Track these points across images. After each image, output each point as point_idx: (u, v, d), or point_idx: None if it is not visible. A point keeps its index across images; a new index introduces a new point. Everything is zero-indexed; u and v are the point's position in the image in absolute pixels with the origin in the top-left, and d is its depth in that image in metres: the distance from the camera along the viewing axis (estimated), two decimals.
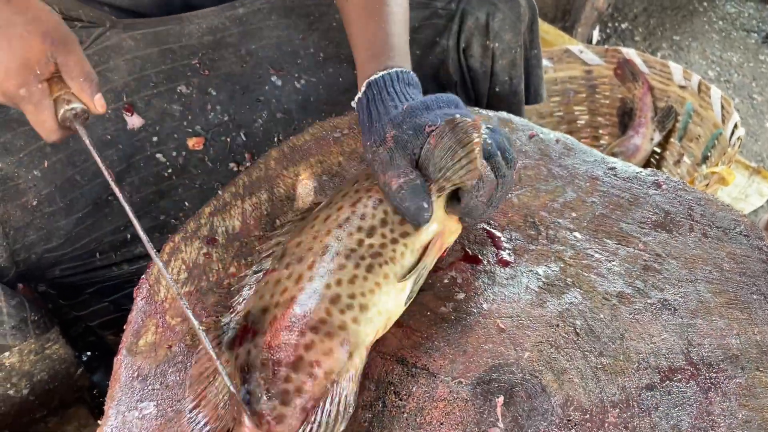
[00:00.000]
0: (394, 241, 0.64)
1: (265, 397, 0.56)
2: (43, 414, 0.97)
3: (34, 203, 0.84)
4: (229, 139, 0.93)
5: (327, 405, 0.57)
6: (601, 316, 0.69)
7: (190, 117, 0.90)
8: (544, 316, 0.68)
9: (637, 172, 0.84)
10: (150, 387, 0.63)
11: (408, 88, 0.71)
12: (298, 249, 0.64)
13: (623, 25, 2.20)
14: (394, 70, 0.71)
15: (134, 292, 0.70)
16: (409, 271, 0.64)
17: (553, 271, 0.73)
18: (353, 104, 0.73)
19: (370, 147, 0.67)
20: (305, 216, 0.69)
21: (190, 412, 0.57)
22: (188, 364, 0.64)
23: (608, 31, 2.18)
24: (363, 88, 0.71)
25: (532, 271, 0.73)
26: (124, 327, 0.68)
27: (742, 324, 0.70)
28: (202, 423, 0.56)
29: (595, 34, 2.10)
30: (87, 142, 0.66)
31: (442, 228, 0.67)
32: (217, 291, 0.70)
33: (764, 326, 0.70)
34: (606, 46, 1.68)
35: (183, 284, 0.70)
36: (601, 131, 1.73)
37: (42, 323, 0.85)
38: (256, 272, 0.65)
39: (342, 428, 0.56)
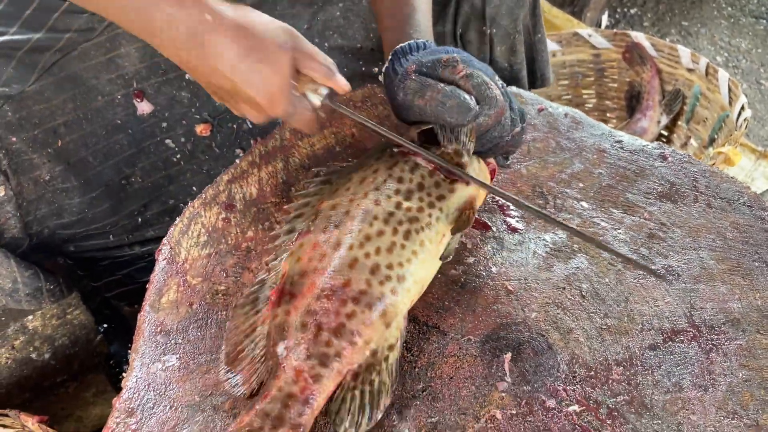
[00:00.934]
0: (431, 205, 0.66)
1: (304, 355, 0.58)
2: (64, 379, 1.00)
3: (47, 178, 0.87)
4: (235, 126, 0.96)
5: (371, 375, 0.59)
6: (607, 280, 0.71)
7: (197, 104, 0.92)
8: (550, 279, 0.71)
9: (643, 145, 0.86)
10: (173, 341, 0.65)
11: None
12: (334, 212, 0.65)
13: (632, 11, 2.21)
14: (420, 40, 0.73)
15: (156, 254, 0.72)
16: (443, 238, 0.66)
17: (560, 237, 0.75)
18: (380, 78, 0.75)
19: (397, 89, 0.69)
20: (329, 178, 0.70)
21: (226, 364, 0.59)
22: (209, 320, 0.67)
23: (617, 16, 2.19)
24: (389, 58, 0.73)
25: (539, 237, 0.75)
26: (147, 287, 0.70)
27: (744, 290, 0.72)
28: (238, 375, 0.58)
29: (604, 19, 2.11)
30: (350, 114, 0.70)
31: (475, 192, 0.69)
32: (235, 253, 0.73)
33: (765, 292, 0.72)
34: (615, 30, 1.69)
35: (203, 247, 0.73)
36: (608, 114, 1.74)
37: (58, 291, 0.88)
38: (289, 231, 0.67)
39: (389, 399, 0.59)
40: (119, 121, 0.90)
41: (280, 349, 0.59)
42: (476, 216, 0.76)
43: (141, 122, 0.91)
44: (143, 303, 0.68)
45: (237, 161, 0.82)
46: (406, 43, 0.73)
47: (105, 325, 1.18)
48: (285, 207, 0.70)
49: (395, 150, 0.69)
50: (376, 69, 1.01)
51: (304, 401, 0.57)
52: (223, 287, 0.70)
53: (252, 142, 0.96)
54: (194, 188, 0.95)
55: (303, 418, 0.56)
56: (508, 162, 0.78)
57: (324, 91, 0.70)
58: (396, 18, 0.78)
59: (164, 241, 0.73)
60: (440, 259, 0.67)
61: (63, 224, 0.90)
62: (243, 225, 0.75)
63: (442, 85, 0.66)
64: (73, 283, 0.99)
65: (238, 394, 0.59)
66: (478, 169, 0.70)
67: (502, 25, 0.99)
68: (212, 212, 0.76)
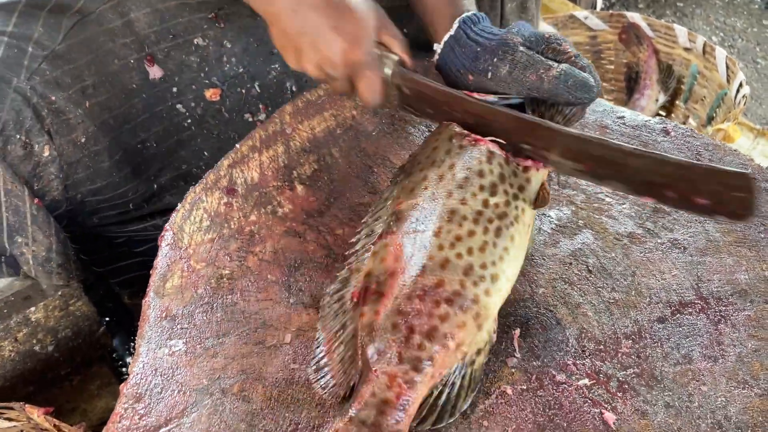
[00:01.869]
0: (515, 197, 0.63)
1: (396, 359, 0.55)
2: (68, 371, 1.00)
3: (83, 140, 0.87)
4: (244, 91, 0.96)
5: (453, 377, 0.57)
6: (613, 254, 0.71)
7: (206, 69, 0.92)
8: (557, 255, 0.70)
9: (645, 121, 0.85)
10: (178, 326, 0.65)
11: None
12: (416, 212, 0.62)
13: None
14: (478, 12, 0.73)
15: (158, 240, 0.72)
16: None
17: (565, 214, 0.75)
18: (438, 46, 0.73)
19: (499, 60, 0.67)
20: (400, 179, 0.67)
21: (318, 365, 0.58)
22: (215, 305, 0.67)
23: None
24: (456, 25, 0.71)
25: (544, 214, 0.75)
26: (150, 272, 0.70)
27: (751, 261, 0.72)
28: (329, 376, 0.57)
29: (599, 1, 2.10)
30: (432, 83, 0.69)
31: (544, 175, 0.66)
32: (239, 237, 0.72)
33: None
34: (611, 11, 1.68)
35: (206, 231, 0.72)
36: (606, 97, 1.73)
37: (79, 268, 0.89)
38: (369, 234, 0.64)
39: (467, 405, 0.57)
40: (134, 86, 0.90)
41: (371, 351, 0.56)
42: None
43: (153, 87, 0.91)
44: (147, 289, 0.68)
45: (237, 145, 0.81)
46: (472, 12, 0.72)
47: (107, 319, 1.17)
48: (365, 217, 0.67)
49: (463, 138, 0.66)
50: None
51: (400, 407, 0.54)
52: (227, 271, 0.69)
53: (261, 107, 0.96)
54: (205, 153, 0.95)
55: (401, 425, 0.54)
56: None
57: (395, 58, 0.71)
58: None
59: (166, 226, 0.73)
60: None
61: (94, 190, 0.90)
62: (245, 209, 0.75)
63: (553, 62, 0.65)
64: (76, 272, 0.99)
65: (329, 395, 0.58)
66: None
67: None
68: (214, 197, 0.76)
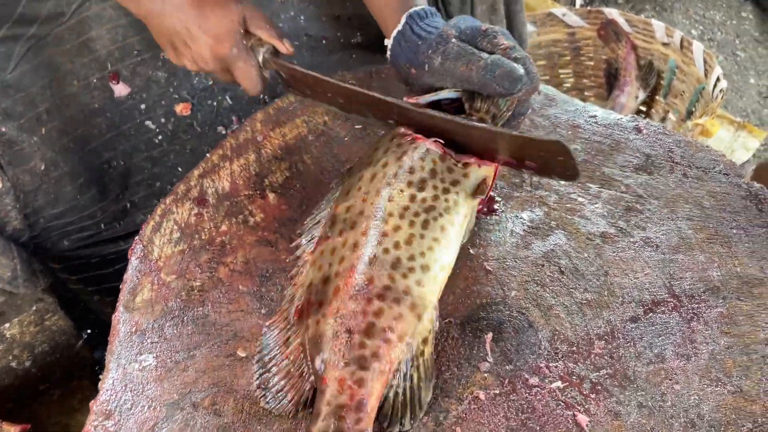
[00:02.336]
0: (446, 190, 0.64)
1: (342, 364, 0.56)
2: (47, 386, 0.99)
3: (42, 168, 0.86)
4: (215, 103, 0.95)
5: (407, 369, 0.58)
6: (585, 255, 0.71)
7: (175, 83, 0.91)
8: (529, 257, 0.70)
9: (617, 119, 0.85)
10: (149, 340, 0.64)
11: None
12: (348, 214, 0.63)
13: None
14: (427, 6, 0.73)
15: (128, 253, 0.71)
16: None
17: (537, 215, 0.75)
18: (388, 41, 0.73)
19: (433, 53, 0.67)
20: (343, 180, 0.68)
21: (263, 380, 0.58)
22: (185, 318, 0.66)
23: None
24: (403, 20, 0.72)
25: (517, 216, 0.75)
26: (120, 287, 0.69)
27: (723, 257, 0.72)
28: (280, 392, 0.58)
29: None
30: (298, 68, 0.73)
31: (486, 172, 0.67)
32: (210, 248, 0.72)
33: (744, 258, 0.72)
34: (589, 8, 1.68)
35: (176, 243, 0.72)
36: (587, 93, 1.74)
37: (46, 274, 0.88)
38: (309, 241, 0.65)
39: (429, 395, 0.58)
40: (96, 105, 0.89)
41: (318, 363, 0.57)
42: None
43: (119, 105, 0.90)
44: (117, 303, 0.67)
45: (207, 155, 0.80)
46: (420, 7, 0.72)
47: (89, 331, 1.17)
48: (306, 221, 0.68)
49: (403, 137, 0.67)
50: (355, 39, 1.01)
51: (356, 408, 0.55)
52: (198, 283, 0.69)
53: (233, 119, 0.96)
54: (179, 169, 0.94)
55: (362, 424, 0.55)
56: None
57: (269, 47, 0.74)
58: None
59: (136, 239, 0.72)
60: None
61: (57, 214, 0.89)
62: (216, 219, 0.74)
63: (485, 54, 0.65)
64: (52, 288, 0.98)
65: (280, 412, 0.58)
66: None
67: None
68: (184, 208, 0.75)
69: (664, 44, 1.56)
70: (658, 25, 1.56)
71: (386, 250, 0.61)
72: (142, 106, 0.90)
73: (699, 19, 2.13)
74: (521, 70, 0.64)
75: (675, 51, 1.54)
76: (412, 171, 0.64)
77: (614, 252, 0.72)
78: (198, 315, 0.66)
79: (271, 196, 0.77)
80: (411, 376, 0.58)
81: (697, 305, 0.68)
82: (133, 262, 0.70)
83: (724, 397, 0.61)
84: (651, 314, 0.67)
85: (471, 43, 0.67)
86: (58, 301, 0.93)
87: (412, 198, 0.63)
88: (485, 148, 0.66)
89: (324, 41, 0.97)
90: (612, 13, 1.62)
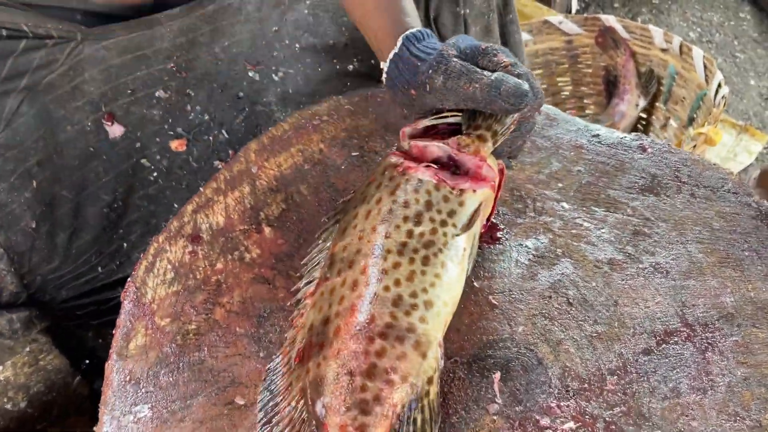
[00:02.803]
0: (443, 223, 0.62)
1: (343, 408, 0.54)
2: (44, 425, 0.96)
3: (33, 225, 0.84)
4: (211, 138, 0.93)
5: (411, 412, 0.55)
6: (594, 284, 0.69)
7: (170, 120, 0.89)
8: (535, 289, 0.68)
9: (621, 138, 0.83)
10: (143, 390, 0.62)
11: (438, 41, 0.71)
12: (346, 253, 0.61)
13: None
14: (423, 29, 0.71)
15: (121, 296, 0.69)
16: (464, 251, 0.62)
17: (542, 243, 0.72)
18: (384, 65, 0.71)
19: (434, 72, 0.65)
20: (338, 217, 0.66)
21: (265, 430, 0.55)
22: (181, 364, 0.64)
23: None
24: (399, 42, 0.70)
25: (521, 244, 0.72)
26: (113, 332, 0.67)
27: (736, 282, 0.69)
28: None
29: (574, 3, 2.08)
30: None
31: (483, 197, 0.65)
32: (205, 288, 0.69)
33: (758, 282, 0.69)
34: (585, 15, 1.66)
35: (170, 284, 0.69)
36: (586, 101, 1.72)
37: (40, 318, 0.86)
38: (308, 283, 0.63)
39: None
40: (92, 149, 0.87)
41: (319, 407, 0.55)
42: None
43: (114, 146, 0.88)
44: (110, 351, 0.65)
45: (201, 189, 0.78)
46: (416, 29, 0.70)
47: (87, 361, 1.14)
48: (303, 261, 0.65)
49: (395, 169, 0.65)
50: (351, 66, 0.98)
51: None
52: (194, 326, 0.66)
53: (230, 152, 0.93)
54: (175, 205, 0.92)
55: None
56: (512, 164, 0.75)
57: None
58: (387, 7, 0.75)
59: (129, 281, 0.70)
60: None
61: (53, 268, 0.87)
62: (211, 257, 0.72)
63: (487, 71, 0.63)
64: (50, 326, 0.96)
65: None
66: (493, 164, 0.67)
67: (475, 4, 0.97)
68: (178, 246, 0.73)
69: (663, 50, 1.54)
70: (656, 31, 1.54)
71: (387, 288, 0.58)
72: (137, 145, 0.88)
73: (697, 21, 2.10)
74: (526, 86, 0.62)
75: (674, 57, 1.51)
76: (406, 205, 0.62)
77: (623, 280, 0.69)
78: (194, 360, 0.64)
79: (267, 230, 0.74)
80: (415, 420, 0.55)
81: (711, 334, 0.65)
82: (126, 305, 0.68)
83: None
84: (664, 345, 0.64)
85: (471, 62, 0.65)
86: (52, 339, 0.91)
87: (410, 234, 0.61)
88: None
89: (319, 69, 0.95)
90: (609, 19, 1.60)
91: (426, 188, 0.63)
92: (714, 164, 0.80)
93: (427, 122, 0.69)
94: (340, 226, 0.64)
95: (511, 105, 0.62)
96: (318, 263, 0.63)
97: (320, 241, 0.65)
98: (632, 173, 0.79)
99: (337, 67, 0.97)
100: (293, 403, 0.57)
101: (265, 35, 0.94)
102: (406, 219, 0.61)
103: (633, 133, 0.84)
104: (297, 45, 0.96)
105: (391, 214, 0.61)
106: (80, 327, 1.03)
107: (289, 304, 0.64)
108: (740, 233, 0.73)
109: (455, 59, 0.65)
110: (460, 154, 0.65)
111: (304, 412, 0.56)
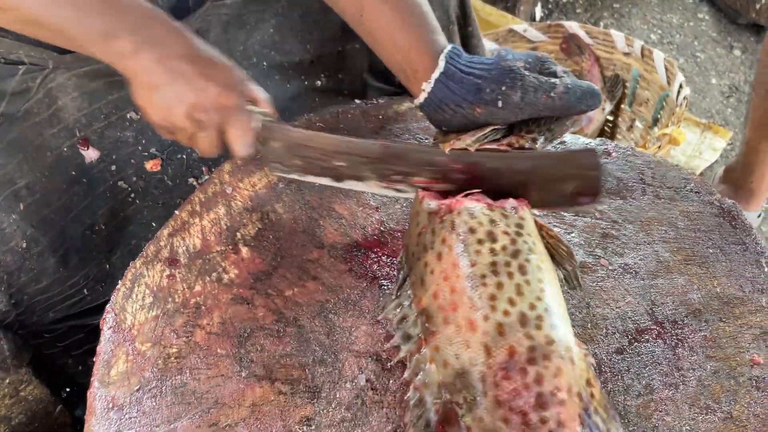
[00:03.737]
0: (518, 233, 0.61)
1: None
2: None
3: (23, 245, 0.84)
4: (185, 156, 0.93)
5: (589, 420, 0.54)
6: (565, 287, 0.70)
7: (143, 141, 0.90)
8: None
9: (586, 144, 0.85)
10: (127, 416, 0.62)
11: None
12: (440, 300, 0.58)
13: None
14: (454, 44, 0.72)
15: (100, 323, 0.69)
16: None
17: None
18: (426, 85, 0.70)
19: (508, 89, 0.66)
20: (405, 274, 0.64)
21: None
22: (164, 388, 0.64)
23: (550, 6, 2.21)
24: (443, 61, 0.69)
25: None
26: (94, 360, 0.67)
27: (702, 278, 0.72)
28: None
29: (538, 11, 2.13)
30: (291, 128, 0.73)
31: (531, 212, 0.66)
32: (184, 311, 0.70)
33: (722, 278, 0.72)
34: (549, 22, 1.70)
35: (149, 309, 0.70)
36: None
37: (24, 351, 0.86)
38: (406, 338, 0.61)
39: (621, 429, 0.55)
40: (73, 173, 0.88)
41: None
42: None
43: (91, 170, 0.89)
44: (91, 378, 0.65)
45: (176, 212, 0.79)
46: (453, 46, 0.71)
47: (68, 389, 1.13)
48: (388, 326, 0.64)
49: (436, 214, 0.63)
50: (319, 83, 1.00)
51: None
52: (174, 350, 0.67)
53: (203, 169, 0.94)
54: (153, 224, 0.93)
55: None
56: None
57: (263, 112, 0.72)
58: (413, 22, 0.74)
59: (107, 308, 0.70)
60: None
61: (41, 289, 0.87)
62: (189, 280, 0.72)
63: (553, 79, 0.66)
64: (33, 355, 0.95)
65: None
66: None
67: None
68: (155, 270, 0.73)
69: (626, 54, 1.58)
70: (617, 36, 1.58)
71: (506, 313, 0.56)
72: (113, 168, 0.89)
73: (657, 23, 2.16)
74: (594, 86, 0.67)
75: (636, 60, 1.55)
76: (473, 231, 0.60)
77: (594, 282, 0.71)
78: (176, 384, 0.64)
79: (244, 250, 0.75)
80: (597, 424, 0.54)
81: (680, 330, 0.67)
82: (106, 332, 0.68)
83: (715, 424, 0.61)
84: (636, 344, 0.66)
85: (538, 73, 0.68)
86: (33, 369, 0.90)
87: (492, 251, 0.59)
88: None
89: (288, 86, 0.97)
90: (572, 26, 1.63)
91: (481, 212, 0.62)
92: (676, 165, 0.82)
93: (474, 140, 0.68)
94: (415, 282, 0.62)
95: (589, 105, 0.66)
96: (404, 318, 0.61)
97: (394, 298, 0.63)
98: None
99: (305, 83, 0.98)
100: None
101: (233, 55, 0.95)
102: (480, 242, 0.59)
103: (598, 138, 0.87)
104: (264, 63, 0.97)
105: (464, 244, 0.60)
106: (62, 355, 1.02)
107: (391, 364, 0.62)
108: (704, 231, 0.76)
109: (527, 73, 0.66)
110: None
111: None
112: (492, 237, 0.60)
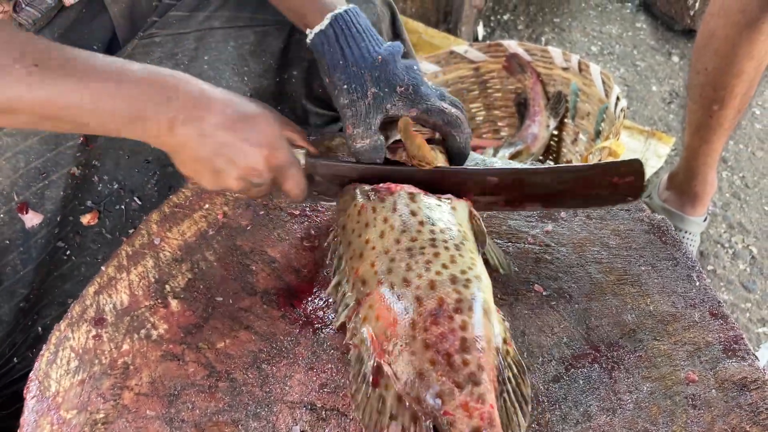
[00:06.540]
0: (454, 219, 0.68)
1: (457, 389, 0.55)
2: None
3: None
4: (123, 207, 0.90)
5: (503, 372, 0.57)
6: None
7: (80, 194, 0.87)
8: None
9: (517, 169, 0.85)
10: None
11: (369, 24, 0.74)
12: (378, 267, 0.63)
13: (505, 17, 2.26)
14: (353, 6, 0.72)
15: (23, 393, 0.66)
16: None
17: None
18: (309, 39, 0.73)
19: (348, 92, 0.70)
20: (338, 251, 0.70)
21: None
22: None
23: (492, 24, 2.24)
24: (327, 21, 0.71)
25: None
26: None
27: (635, 297, 0.72)
28: None
29: (480, 30, 2.15)
30: (331, 161, 0.77)
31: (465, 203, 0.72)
32: (111, 373, 0.67)
33: (655, 295, 0.72)
34: (488, 42, 1.72)
35: (75, 373, 0.67)
36: (499, 124, 1.76)
37: None
38: (346, 307, 0.65)
39: (528, 390, 0.58)
40: (8, 242, 0.83)
41: (431, 400, 0.55)
42: None
43: (33, 235, 0.84)
44: None
45: (102, 268, 0.76)
46: (345, 8, 0.73)
47: None
48: (326, 292, 0.70)
49: (377, 193, 0.70)
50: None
51: (489, 425, 0.54)
52: (101, 415, 0.64)
53: (143, 216, 0.91)
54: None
55: None
56: None
57: (302, 152, 0.73)
58: None
59: (31, 376, 0.67)
60: (502, 271, 0.72)
61: None
62: (117, 339, 0.70)
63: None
64: None
65: None
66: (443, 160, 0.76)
67: None
68: (81, 332, 0.71)
69: (564, 68, 1.60)
70: (555, 52, 1.60)
71: (439, 272, 0.61)
72: (56, 230, 0.85)
73: (597, 35, 2.20)
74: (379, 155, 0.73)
75: (575, 74, 1.58)
76: (414, 213, 0.67)
77: (529, 309, 0.71)
78: None
79: (173, 303, 0.73)
80: (509, 379, 0.58)
81: (616, 353, 0.67)
82: (29, 402, 0.65)
83: None
84: (573, 370, 0.66)
85: (386, 100, 0.71)
86: None
87: (432, 232, 0.65)
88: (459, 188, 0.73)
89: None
90: (511, 45, 1.65)
91: (421, 197, 0.69)
92: None
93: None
94: (353, 254, 0.67)
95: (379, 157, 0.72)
96: (340, 297, 0.66)
97: (333, 276, 0.69)
98: None
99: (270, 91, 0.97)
100: (398, 417, 0.56)
101: (201, 69, 0.93)
102: (422, 223, 0.66)
103: (528, 161, 0.87)
104: (226, 75, 0.95)
105: (405, 224, 0.66)
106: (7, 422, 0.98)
107: (333, 330, 0.68)
108: (635, 248, 0.76)
109: (368, 102, 0.71)
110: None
111: (407, 416, 0.56)
112: (431, 221, 0.66)
